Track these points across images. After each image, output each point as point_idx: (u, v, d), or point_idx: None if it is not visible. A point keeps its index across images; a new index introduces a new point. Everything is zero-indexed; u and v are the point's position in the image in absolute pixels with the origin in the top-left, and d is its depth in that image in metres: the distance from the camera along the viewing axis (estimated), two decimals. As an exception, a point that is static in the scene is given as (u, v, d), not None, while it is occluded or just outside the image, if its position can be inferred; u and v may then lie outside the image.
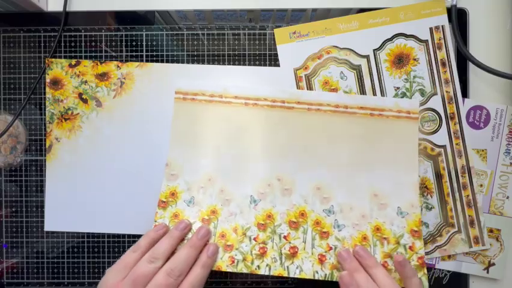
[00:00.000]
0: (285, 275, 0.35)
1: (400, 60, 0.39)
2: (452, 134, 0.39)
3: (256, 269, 0.35)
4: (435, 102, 0.39)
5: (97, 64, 0.39)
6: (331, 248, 0.36)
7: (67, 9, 0.40)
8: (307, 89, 0.39)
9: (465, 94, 0.39)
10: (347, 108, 0.38)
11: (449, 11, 0.39)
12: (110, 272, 0.31)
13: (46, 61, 0.39)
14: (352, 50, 0.39)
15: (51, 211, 0.39)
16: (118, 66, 0.39)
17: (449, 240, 0.38)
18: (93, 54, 0.40)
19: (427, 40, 0.39)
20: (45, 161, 0.39)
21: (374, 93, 0.39)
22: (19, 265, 0.40)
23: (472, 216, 0.38)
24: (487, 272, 0.39)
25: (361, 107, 0.38)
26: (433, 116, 0.39)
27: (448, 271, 0.39)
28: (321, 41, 0.39)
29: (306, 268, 0.35)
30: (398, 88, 0.39)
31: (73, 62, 0.39)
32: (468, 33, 0.39)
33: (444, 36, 0.39)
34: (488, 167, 0.39)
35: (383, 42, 0.39)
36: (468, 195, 0.38)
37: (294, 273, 0.35)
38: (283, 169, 0.37)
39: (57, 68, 0.39)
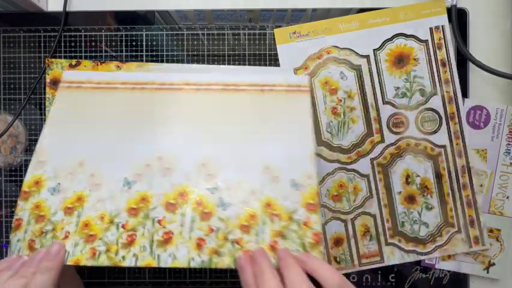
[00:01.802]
0: (155, 265, 0.30)
1: (400, 60, 0.39)
2: (452, 134, 0.39)
3: (120, 260, 0.30)
4: (436, 102, 0.39)
5: (97, 64, 0.39)
6: (212, 231, 0.31)
7: (67, 9, 0.40)
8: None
9: (465, 94, 0.39)
10: (238, 86, 0.37)
11: (449, 11, 0.39)
12: None
13: (46, 61, 0.39)
14: (352, 50, 0.39)
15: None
16: (118, 67, 0.39)
17: (449, 240, 0.38)
18: (93, 54, 0.40)
19: (427, 40, 0.39)
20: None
21: (374, 94, 0.39)
22: (19, 265, 0.40)
23: (472, 216, 0.38)
24: (487, 272, 0.39)
25: (251, 84, 0.37)
26: (433, 116, 0.39)
27: (448, 271, 0.39)
28: (321, 41, 0.39)
29: (180, 255, 0.30)
30: (398, 88, 0.39)
31: (73, 62, 0.39)
32: (468, 33, 0.39)
33: (444, 36, 0.39)
34: (488, 167, 0.39)
35: (383, 42, 0.39)
36: (468, 195, 0.38)
37: (166, 263, 0.30)
38: (164, 147, 0.34)
39: (58, 68, 0.39)
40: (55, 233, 0.31)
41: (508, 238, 0.39)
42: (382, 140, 0.39)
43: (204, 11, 0.40)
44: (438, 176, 0.39)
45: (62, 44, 0.40)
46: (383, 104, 0.39)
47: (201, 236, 0.31)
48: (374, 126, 0.39)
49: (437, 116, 0.39)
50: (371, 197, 0.39)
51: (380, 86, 0.39)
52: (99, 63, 0.39)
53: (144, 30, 0.40)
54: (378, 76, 0.39)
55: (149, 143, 0.35)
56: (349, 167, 0.39)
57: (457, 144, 0.39)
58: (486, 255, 0.39)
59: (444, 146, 0.39)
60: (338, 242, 0.39)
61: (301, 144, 0.34)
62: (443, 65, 0.39)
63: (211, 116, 0.36)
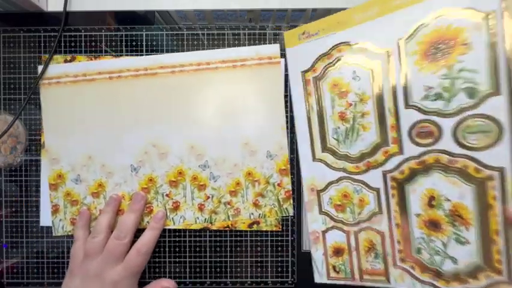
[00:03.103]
0: (171, 225, 0.39)
1: (438, 50, 0.30)
2: None
3: (146, 224, 0.39)
4: (495, 106, 0.28)
5: (91, 59, 0.39)
6: (208, 197, 0.39)
7: (67, 9, 0.40)
8: (316, 94, 0.37)
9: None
10: (209, 64, 0.38)
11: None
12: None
13: (42, 57, 0.39)
14: (368, 45, 0.33)
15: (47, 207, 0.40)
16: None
17: (488, 287, 0.30)
18: (93, 54, 0.40)
19: (493, 10, 0.27)
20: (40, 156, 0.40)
21: (395, 96, 0.32)
22: (19, 265, 0.40)
23: None
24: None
25: (223, 61, 0.38)
26: (487, 126, 0.28)
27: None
28: (332, 39, 0.35)
29: (188, 216, 0.39)
30: (430, 88, 0.31)
31: (68, 57, 0.40)
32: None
33: None
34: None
35: (414, 27, 0.31)
36: None
37: (179, 223, 0.39)
38: (156, 135, 0.39)
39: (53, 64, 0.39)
40: (91, 211, 0.39)
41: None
42: (400, 152, 0.33)
43: (204, 11, 0.40)
44: (484, 207, 0.30)
45: (62, 44, 0.40)
46: (406, 108, 0.32)
47: (200, 202, 0.39)
48: (390, 135, 0.33)
49: (494, 125, 0.28)
50: (380, 213, 0.35)
51: (404, 86, 0.32)
52: (93, 58, 0.39)
53: (144, 30, 0.40)
54: (402, 73, 0.32)
55: (142, 133, 0.39)
56: (356, 177, 0.36)
57: None
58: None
59: (501, 169, 0.28)
60: (338, 252, 0.38)
61: (273, 117, 0.38)
62: None
63: (188, 98, 0.39)
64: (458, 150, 0.30)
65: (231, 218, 0.39)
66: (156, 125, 0.39)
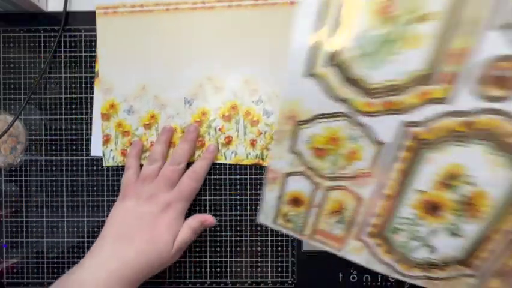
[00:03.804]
0: (223, 160, 0.39)
1: None
2: None
3: (197, 158, 0.39)
4: None
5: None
6: (261, 133, 0.39)
7: (67, 9, 0.40)
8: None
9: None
10: (267, 0, 0.38)
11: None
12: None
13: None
14: None
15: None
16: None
17: (451, 279, 0.27)
18: (93, 54, 0.40)
19: None
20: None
21: (479, 5, 0.20)
22: (19, 265, 0.40)
23: (511, 266, 0.25)
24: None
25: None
26: None
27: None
28: None
29: (240, 152, 0.39)
30: None
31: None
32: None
33: None
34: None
35: None
36: None
37: (230, 157, 0.39)
38: (211, 69, 0.39)
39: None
40: (143, 142, 0.39)
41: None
42: (447, 100, 0.22)
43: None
44: (510, 203, 0.23)
45: (62, 44, 0.40)
46: (492, 29, 0.20)
47: (253, 138, 0.39)
48: (445, 66, 0.21)
49: None
50: (370, 175, 0.27)
51: None
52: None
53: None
54: None
55: (198, 66, 0.39)
56: (361, 119, 0.25)
57: None
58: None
59: None
60: (296, 201, 0.31)
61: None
62: None
63: (244, 33, 0.39)
64: None
65: None
66: (212, 58, 0.39)
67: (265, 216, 0.34)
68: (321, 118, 0.26)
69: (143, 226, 0.34)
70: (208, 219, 0.37)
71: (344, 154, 0.27)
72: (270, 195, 0.33)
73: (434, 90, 0.22)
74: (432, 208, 0.25)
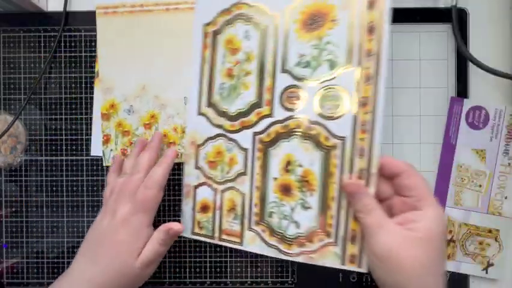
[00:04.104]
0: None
1: (314, 21, 0.32)
2: (358, 124, 0.30)
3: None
4: (346, 79, 0.31)
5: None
6: None
7: (67, 9, 0.40)
8: (211, 48, 0.37)
9: (465, 94, 0.39)
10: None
11: (449, 11, 0.39)
12: None
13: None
14: (263, 7, 0.34)
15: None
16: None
17: (319, 249, 0.33)
18: (93, 54, 0.40)
19: None
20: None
21: (275, 59, 0.34)
22: (19, 265, 0.40)
23: (356, 231, 0.31)
24: (486, 273, 0.39)
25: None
26: (338, 97, 0.31)
27: (448, 271, 0.39)
28: None
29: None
30: (303, 56, 0.32)
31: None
32: (468, 33, 0.39)
33: None
34: (487, 167, 0.39)
35: None
36: None
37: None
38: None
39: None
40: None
41: (507, 238, 0.39)
42: (270, 114, 0.34)
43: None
44: (326, 174, 0.32)
45: (62, 44, 0.40)
46: (281, 72, 0.33)
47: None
48: (265, 96, 0.34)
49: (343, 97, 0.31)
50: (245, 174, 0.35)
51: (283, 50, 0.33)
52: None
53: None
54: (284, 39, 0.33)
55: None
56: (231, 135, 0.36)
57: (361, 139, 0.30)
58: (485, 256, 0.39)
59: (343, 138, 0.31)
60: (204, 208, 0.37)
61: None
62: (371, 31, 0.30)
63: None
64: (315, 117, 0.32)
65: None
66: None
67: (185, 229, 0.38)
68: (209, 140, 0.37)
69: (106, 243, 0.33)
70: (173, 227, 0.33)
71: (226, 162, 0.36)
72: (186, 208, 0.38)
73: (263, 110, 0.35)
74: (285, 189, 0.34)
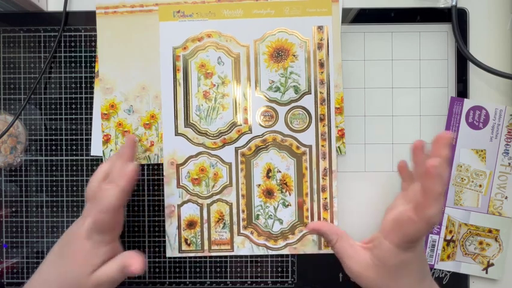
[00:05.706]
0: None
1: (279, 54, 0.39)
2: (319, 135, 0.39)
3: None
4: (308, 102, 0.39)
5: None
6: None
7: (67, 9, 0.40)
8: (184, 71, 0.39)
9: (465, 94, 0.39)
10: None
11: (449, 11, 0.39)
12: None
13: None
14: (233, 37, 0.39)
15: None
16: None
17: (300, 239, 0.39)
18: (93, 54, 0.40)
19: (309, 39, 0.39)
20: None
21: (249, 84, 0.39)
22: (19, 265, 0.40)
23: (327, 219, 0.39)
24: (486, 273, 0.39)
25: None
26: (303, 115, 0.39)
27: (448, 271, 0.39)
28: (204, 24, 0.39)
29: None
30: (272, 82, 0.39)
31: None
32: (468, 33, 0.39)
33: (326, 37, 0.39)
34: (487, 167, 0.39)
35: (264, 34, 0.39)
36: (326, 198, 0.39)
37: None
38: None
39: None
40: (142, 142, 0.40)
41: (507, 238, 0.39)
42: (250, 131, 0.39)
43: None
44: (300, 175, 0.39)
45: (62, 44, 0.40)
46: (256, 95, 0.39)
47: None
48: (243, 116, 0.39)
49: (307, 115, 0.39)
50: (230, 186, 0.39)
51: (255, 76, 0.39)
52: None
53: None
54: (255, 66, 0.39)
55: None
56: (213, 152, 0.39)
57: (322, 145, 0.39)
58: (485, 256, 0.39)
59: (310, 146, 0.39)
60: (191, 224, 0.39)
61: None
62: (321, 65, 0.39)
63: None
64: (287, 131, 0.39)
65: None
66: None
67: (171, 250, 0.40)
68: (191, 158, 0.40)
69: (71, 247, 0.32)
70: (133, 264, 0.31)
71: (211, 177, 0.40)
72: (171, 229, 0.40)
73: (243, 128, 0.40)
74: (268, 193, 0.40)
